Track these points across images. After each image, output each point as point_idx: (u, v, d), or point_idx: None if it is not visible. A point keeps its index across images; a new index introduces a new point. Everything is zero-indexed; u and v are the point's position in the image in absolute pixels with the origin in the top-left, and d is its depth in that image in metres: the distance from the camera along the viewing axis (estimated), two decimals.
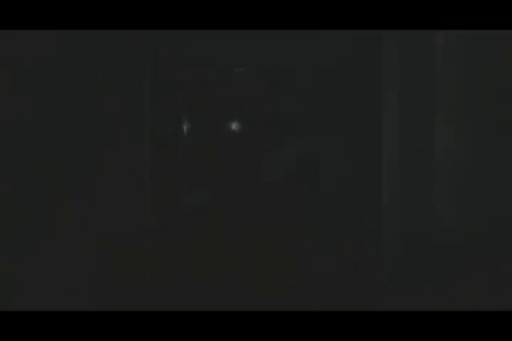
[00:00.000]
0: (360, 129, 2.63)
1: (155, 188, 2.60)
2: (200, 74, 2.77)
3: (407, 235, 2.37)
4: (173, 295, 2.69)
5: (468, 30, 1.91)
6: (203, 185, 2.79)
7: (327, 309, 2.55)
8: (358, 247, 2.63)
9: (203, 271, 2.73)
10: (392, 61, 2.37)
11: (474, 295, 1.83)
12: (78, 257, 2.06)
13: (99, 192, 2.22)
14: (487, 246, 1.79)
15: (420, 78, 2.34)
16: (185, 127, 2.80)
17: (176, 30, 2.52)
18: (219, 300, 2.67)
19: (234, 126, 2.80)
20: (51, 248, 1.87)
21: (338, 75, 2.68)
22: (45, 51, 1.83)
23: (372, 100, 2.51)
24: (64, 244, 1.95)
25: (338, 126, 2.69)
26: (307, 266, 2.71)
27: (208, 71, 2.78)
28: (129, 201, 2.46)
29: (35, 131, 1.78)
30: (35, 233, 1.78)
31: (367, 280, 2.58)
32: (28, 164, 1.74)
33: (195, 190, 2.79)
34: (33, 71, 1.76)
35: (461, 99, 2.06)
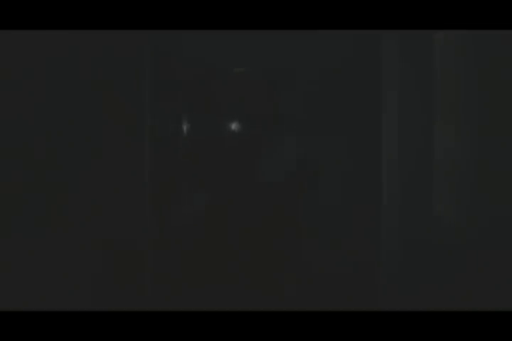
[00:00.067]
0: (360, 129, 2.63)
1: (155, 188, 2.60)
2: (200, 74, 2.77)
3: (407, 235, 2.37)
4: (173, 295, 2.69)
5: (468, 30, 1.91)
6: (202, 184, 2.79)
7: (327, 309, 2.55)
8: (357, 247, 2.63)
9: (202, 271, 2.73)
10: (392, 61, 2.37)
11: (474, 295, 1.83)
12: (78, 257, 2.06)
13: (99, 192, 2.22)
14: (487, 246, 1.79)
15: (420, 78, 2.34)
16: (185, 127, 2.80)
17: (176, 30, 2.51)
18: (219, 300, 2.67)
19: (234, 126, 2.81)
20: (51, 248, 1.87)
21: (338, 75, 2.68)
22: (45, 51, 1.83)
23: (372, 100, 2.51)
24: (64, 244, 1.95)
25: (338, 126, 2.69)
26: (307, 266, 2.71)
27: (208, 71, 2.78)
28: (129, 201, 2.46)
29: (35, 131, 1.78)
30: (35, 233, 1.78)
31: (366, 280, 2.58)
32: (28, 164, 1.74)
33: (195, 190, 2.79)
34: (33, 71, 1.76)
35: (461, 99, 2.06)
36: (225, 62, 2.78)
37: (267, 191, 2.77)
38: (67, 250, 1.97)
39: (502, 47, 1.69)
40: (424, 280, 2.29)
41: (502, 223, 1.69)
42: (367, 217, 2.58)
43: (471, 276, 1.88)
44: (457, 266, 2.02)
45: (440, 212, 2.26)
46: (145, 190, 2.53)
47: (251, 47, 2.75)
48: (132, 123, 2.49)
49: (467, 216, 1.98)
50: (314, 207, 2.72)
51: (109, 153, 2.31)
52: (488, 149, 1.80)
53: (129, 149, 2.46)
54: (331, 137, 2.69)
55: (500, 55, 1.71)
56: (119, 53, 2.38)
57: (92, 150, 2.17)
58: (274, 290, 2.68)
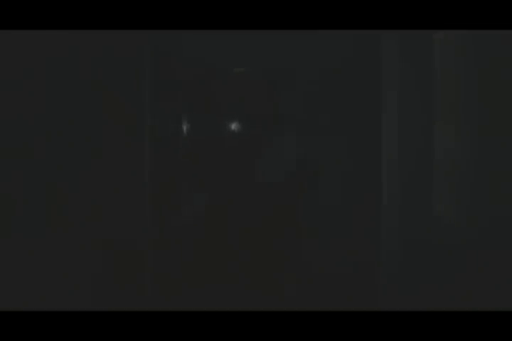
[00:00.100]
0: (360, 129, 2.63)
1: (155, 188, 2.60)
2: (200, 74, 2.77)
3: (407, 235, 2.37)
4: (173, 295, 2.69)
5: (468, 30, 1.91)
6: (202, 185, 2.79)
7: (327, 309, 2.55)
8: (357, 247, 2.63)
9: (202, 271, 2.73)
10: (392, 61, 2.37)
11: (474, 295, 1.83)
12: (78, 257, 2.06)
13: (99, 192, 2.22)
14: (487, 246, 1.79)
15: (420, 78, 2.34)
16: (185, 127, 2.80)
17: (176, 30, 2.51)
18: (219, 300, 2.67)
19: (234, 126, 2.81)
20: (51, 248, 1.87)
21: (338, 75, 2.68)
22: (45, 51, 1.83)
23: (372, 100, 2.51)
24: (64, 243, 1.95)
25: (338, 126, 2.69)
26: (307, 266, 2.71)
27: (208, 71, 2.78)
28: (129, 201, 2.46)
29: (35, 131, 1.78)
30: (35, 233, 1.78)
31: (366, 280, 2.58)
32: (28, 164, 1.74)
33: (195, 190, 2.79)
34: (33, 71, 1.76)
35: (461, 99, 2.06)
36: (225, 62, 2.78)
37: (267, 191, 2.77)
38: (67, 250, 1.97)
39: (502, 47, 1.69)
40: (424, 280, 2.29)
41: (502, 223, 1.69)
42: (367, 217, 2.58)
43: (471, 276, 1.88)
44: (457, 266, 2.02)
45: (440, 212, 2.26)
46: (145, 190, 2.53)
47: (251, 47, 2.75)
48: (132, 123, 2.49)
49: (467, 216, 1.98)
50: (314, 207, 2.72)
51: (109, 153, 2.31)
52: (488, 149, 1.80)
53: (129, 149, 2.46)
54: (330, 137, 2.69)
55: (500, 55, 1.71)
56: (119, 53, 2.38)
57: (92, 150, 2.17)
58: (274, 290, 2.68)
